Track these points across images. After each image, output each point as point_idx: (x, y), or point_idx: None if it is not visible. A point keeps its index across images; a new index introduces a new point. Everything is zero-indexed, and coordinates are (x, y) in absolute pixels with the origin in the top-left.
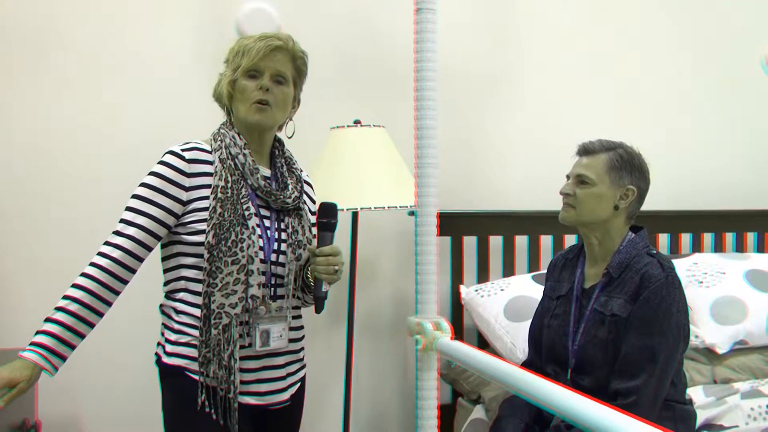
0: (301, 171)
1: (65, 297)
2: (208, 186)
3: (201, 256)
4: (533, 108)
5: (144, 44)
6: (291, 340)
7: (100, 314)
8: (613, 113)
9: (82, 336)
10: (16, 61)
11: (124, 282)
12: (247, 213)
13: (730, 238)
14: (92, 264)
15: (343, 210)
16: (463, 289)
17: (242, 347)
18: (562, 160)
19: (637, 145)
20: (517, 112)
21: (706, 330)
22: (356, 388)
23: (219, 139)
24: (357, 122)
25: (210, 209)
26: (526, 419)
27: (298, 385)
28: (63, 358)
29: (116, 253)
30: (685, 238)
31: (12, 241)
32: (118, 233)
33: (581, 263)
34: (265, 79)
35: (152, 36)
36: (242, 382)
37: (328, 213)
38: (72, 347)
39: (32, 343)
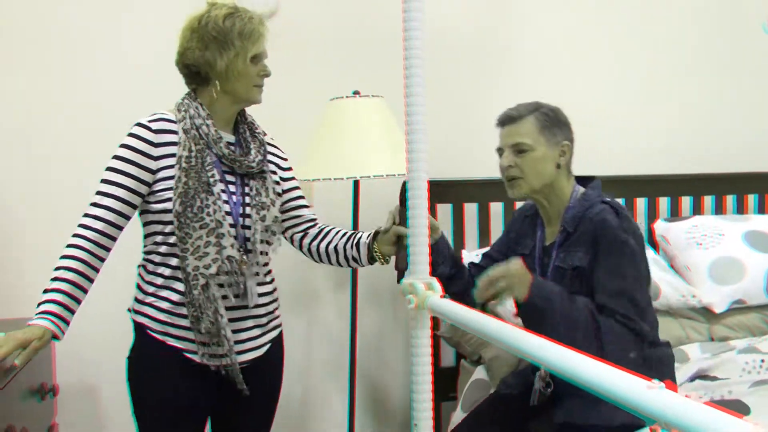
0: (265, 135)
1: (60, 267)
2: (174, 155)
3: (168, 222)
4: (531, 73)
5: (135, 21)
6: (258, 306)
7: (92, 281)
8: (610, 78)
9: (79, 302)
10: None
11: (108, 250)
12: (212, 180)
13: (730, 200)
14: (77, 235)
15: (343, 179)
16: (464, 254)
17: (231, 308)
18: None
19: (637, 109)
20: (515, 77)
21: (704, 289)
22: (361, 350)
23: (183, 109)
24: (356, 93)
25: (176, 179)
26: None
27: (264, 349)
28: (68, 323)
29: (98, 225)
30: (686, 202)
31: (19, 216)
32: (95, 205)
33: (540, 222)
34: (265, 64)
35: (143, 13)
36: (200, 343)
37: (405, 191)
38: (73, 313)
39: (41, 311)
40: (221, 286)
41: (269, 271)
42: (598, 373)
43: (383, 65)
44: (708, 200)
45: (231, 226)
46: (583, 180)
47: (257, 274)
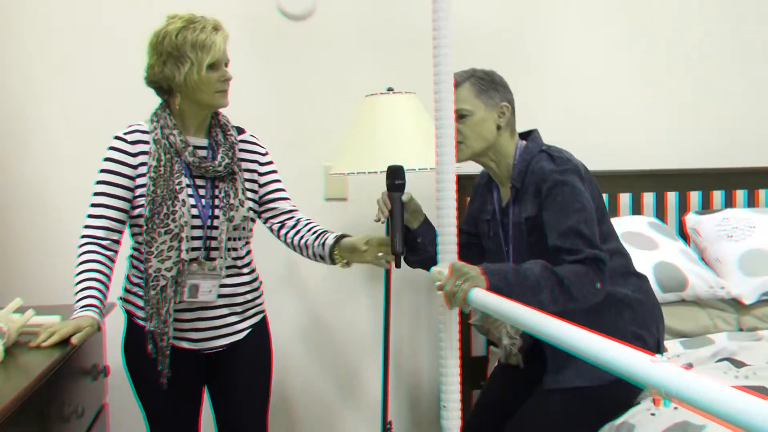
0: (241, 133)
1: (84, 271)
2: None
3: (141, 226)
4: (558, 71)
5: (135, 21)
6: (228, 295)
7: (110, 279)
8: (638, 72)
9: (107, 298)
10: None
11: (116, 252)
12: (179, 187)
13: (762, 194)
14: (85, 243)
15: (377, 173)
16: None
17: (182, 302)
18: (588, 121)
19: (663, 104)
20: (544, 74)
21: (733, 281)
22: (395, 339)
23: (155, 120)
24: (390, 89)
25: (146, 187)
26: None
27: (244, 333)
28: (104, 316)
29: (99, 233)
30: (717, 196)
31: (21, 215)
32: (92, 216)
33: (495, 186)
34: (226, 69)
35: (143, 13)
36: (179, 330)
37: (393, 175)
38: (105, 307)
39: (85, 305)
40: (177, 282)
41: (248, 263)
42: (607, 348)
43: (416, 63)
44: (740, 194)
45: (197, 228)
46: (525, 136)
47: (232, 266)
